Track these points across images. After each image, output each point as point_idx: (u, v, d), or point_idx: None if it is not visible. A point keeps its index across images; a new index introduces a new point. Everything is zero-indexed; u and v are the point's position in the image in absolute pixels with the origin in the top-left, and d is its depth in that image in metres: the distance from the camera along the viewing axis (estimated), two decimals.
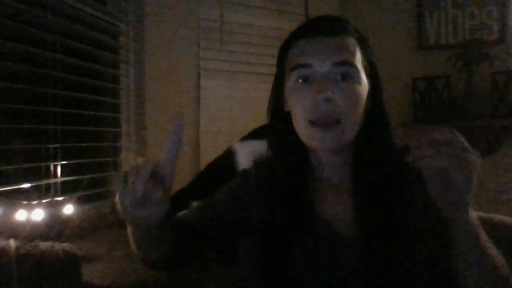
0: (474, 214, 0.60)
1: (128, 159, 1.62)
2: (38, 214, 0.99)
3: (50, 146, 1.27)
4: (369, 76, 0.74)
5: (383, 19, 2.47)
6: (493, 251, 0.61)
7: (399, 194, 0.71)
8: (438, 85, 2.27)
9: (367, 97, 0.74)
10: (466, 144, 0.57)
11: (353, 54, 0.71)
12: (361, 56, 0.73)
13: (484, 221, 0.79)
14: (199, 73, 1.88)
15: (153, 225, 0.67)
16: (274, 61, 0.81)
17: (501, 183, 2.24)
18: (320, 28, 0.72)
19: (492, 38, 2.30)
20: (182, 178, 1.70)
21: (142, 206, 0.60)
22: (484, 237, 0.60)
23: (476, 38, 2.29)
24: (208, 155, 1.86)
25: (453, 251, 0.61)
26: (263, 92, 0.84)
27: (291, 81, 0.73)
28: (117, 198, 0.61)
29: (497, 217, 0.92)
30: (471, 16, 2.35)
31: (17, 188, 1.11)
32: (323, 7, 2.26)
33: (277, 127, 0.81)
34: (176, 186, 1.38)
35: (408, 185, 0.72)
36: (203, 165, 1.84)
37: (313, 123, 0.71)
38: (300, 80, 0.72)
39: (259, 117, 0.86)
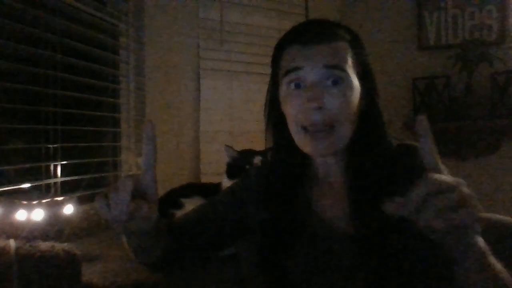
0: (481, 241, 0.55)
1: (128, 159, 1.63)
2: (38, 214, 0.99)
3: (50, 146, 1.27)
4: (363, 77, 0.75)
5: (383, 19, 2.47)
6: (503, 275, 0.57)
7: (393, 191, 0.71)
8: (438, 85, 2.27)
9: (361, 97, 0.74)
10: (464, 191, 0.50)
11: (343, 59, 0.71)
12: (353, 59, 0.73)
13: (483, 221, 0.79)
14: (199, 73, 1.88)
15: (145, 233, 0.67)
16: None
17: (500, 183, 2.24)
18: (311, 35, 0.72)
19: (492, 38, 2.31)
20: (182, 178, 1.71)
21: (130, 222, 0.60)
22: (492, 260, 0.57)
23: (476, 38, 2.29)
24: (208, 155, 1.86)
25: (458, 276, 0.57)
26: (263, 92, 0.85)
27: (284, 86, 0.74)
28: (101, 214, 0.61)
29: (497, 217, 0.92)
30: (471, 16, 2.35)
31: (17, 188, 1.10)
32: (323, 7, 2.26)
33: (274, 128, 0.82)
34: (176, 186, 1.39)
35: (401, 182, 0.72)
36: (203, 165, 1.85)
37: (305, 128, 0.72)
38: (292, 86, 0.73)
39: (259, 117, 0.86)
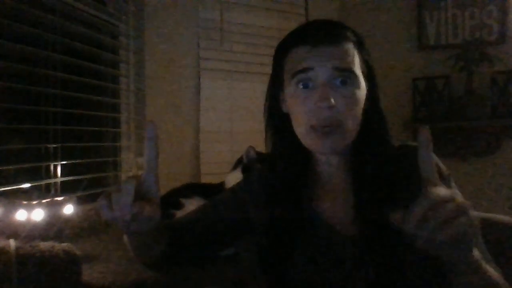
0: (476, 252, 0.58)
1: (128, 159, 1.63)
2: (38, 214, 0.99)
3: (50, 146, 1.27)
4: (366, 77, 0.76)
5: (383, 19, 2.47)
6: (495, 278, 0.61)
7: (397, 191, 0.72)
8: (438, 85, 2.27)
9: (366, 97, 0.75)
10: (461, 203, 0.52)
11: (352, 61, 0.73)
12: (359, 60, 0.74)
13: (484, 221, 0.79)
14: (199, 73, 1.88)
15: (147, 233, 0.67)
16: None
17: (500, 183, 2.24)
18: (319, 36, 0.73)
19: (492, 38, 2.30)
20: (182, 178, 1.70)
21: (133, 223, 0.60)
22: (484, 265, 0.60)
23: (476, 38, 2.29)
24: (208, 155, 1.86)
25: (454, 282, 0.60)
26: (263, 92, 0.85)
27: (292, 87, 0.74)
28: (103, 216, 0.61)
29: (497, 217, 0.92)
30: (471, 16, 2.35)
31: (17, 188, 1.10)
32: (323, 7, 2.26)
33: (275, 128, 0.82)
34: (176, 186, 1.39)
35: (405, 182, 0.73)
36: (203, 165, 1.84)
37: (314, 127, 0.72)
38: (301, 86, 0.73)
39: (259, 117, 0.86)
